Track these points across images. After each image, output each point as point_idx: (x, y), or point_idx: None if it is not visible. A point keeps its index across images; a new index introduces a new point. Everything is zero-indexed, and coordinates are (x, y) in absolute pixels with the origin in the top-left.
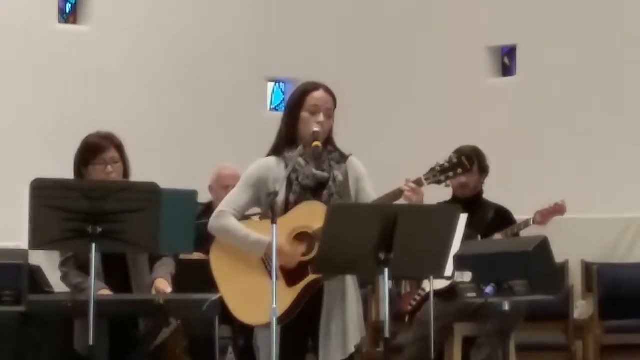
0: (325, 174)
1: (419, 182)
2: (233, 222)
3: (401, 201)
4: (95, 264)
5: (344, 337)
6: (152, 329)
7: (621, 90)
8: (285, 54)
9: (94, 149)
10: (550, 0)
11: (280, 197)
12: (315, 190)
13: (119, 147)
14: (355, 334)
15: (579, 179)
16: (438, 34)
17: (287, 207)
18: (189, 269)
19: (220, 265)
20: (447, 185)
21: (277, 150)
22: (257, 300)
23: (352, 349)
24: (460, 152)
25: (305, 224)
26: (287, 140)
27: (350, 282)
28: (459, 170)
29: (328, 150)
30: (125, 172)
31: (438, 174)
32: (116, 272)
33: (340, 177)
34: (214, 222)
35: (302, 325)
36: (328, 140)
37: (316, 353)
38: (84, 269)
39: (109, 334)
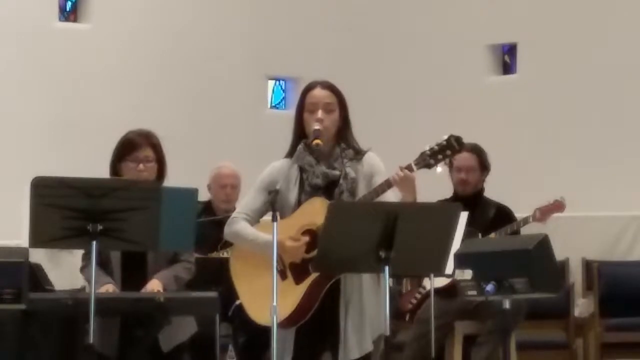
0: (337, 172)
1: (409, 168)
2: (243, 227)
3: (395, 190)
4: (113, 261)
5: (361, 335)
6: (152, 327)
7: (621, 88)
8: (285, 52)
9: (129, 146)
10: None
11: (293, 198)
12: (327, 188)
13: (155, 147)
14: (373, 331)
15: (579, 177)
16: (438, 32)
17: (299, 207)
18: None
19: (237, 269)
20: (443, 165)
21: (290, 152)
22: (269, 300)
23: (369, 348)
24: (450, 135)
25: (310, 221)
26: (297, 142)
27: (368, 279)
28: (448, 152)
29: (341, 148)
30: (160, 173)
31: (428, 158)
32: (136, 270)
33: (352, 174)
34: (227, 229)
35: (318, 323)
36: (341, 137)
37: (332, 351)
38: (103, 264)
39: (120, 333)
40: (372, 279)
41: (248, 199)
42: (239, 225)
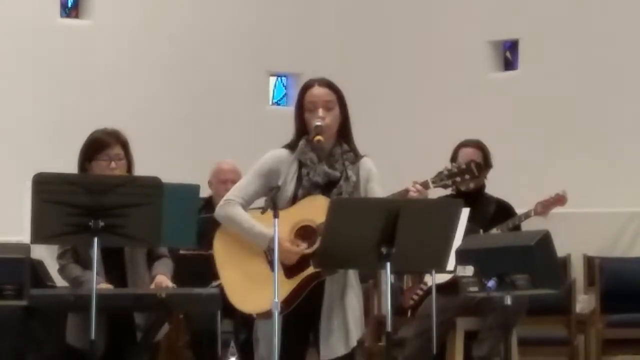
0: (337, 173)
1: (425, 185)
2: (239, 212)
3: None
4: (95, 259)
5: (345, 331)
6: (154, 324)
7: (623, 84)
8: (287, 48)
9: (99, 145)
10: None
11: (289, 191)
12: (325, 188)
13: (124, 145)
14: (357, 328)
15: (580, 173)
16: (440, 28)
17: (294, 201)
18: (188, 263)
19: (222, 252)
20: (453, 190)
21: (291, 146)
22: (254, 288)
23: (354, 344)
24: (470, 160)
25: (308, 218)
26: (298, 139)
27: (352, 276)
28: (467, 177)
29: (343, 149)
30: (129, 170)
31: (445, 178)
32: (114, 267)
33: (353, 177)
34: (220, 210)
35: (303, 320)
36: (342, 135)
37: (318, 347)
38: (82, 262)
39: (106, 329)
40: (355, 276)
41: (244, 183)
42: (234, 209)
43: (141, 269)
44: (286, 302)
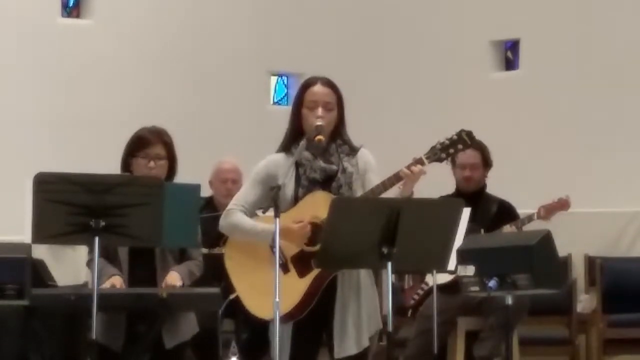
0: (334, 167)
1: (420, 162)
2: (240, 217)
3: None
4: (121, 256)
5: (358, 331)
6: (155, 323)
7: (623, 84)
8: (288, 48)
9: (141, 142)
10: None
11: (289, 192)
12: (324, 183)
13: (167, 145)
14: (370, 327)
15: (582, 173)
16: (441, 27)
17: (296, 202)
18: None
19: (234, 265)
20: (448, 162)
21: (285, 146)
22: (270, 294)
23: (366, 344)
24: (461, 129)
25: (313, 214)
26: (293, 136)
27: (365, 274)
28: (460, 146)
29: (337, 144)
30: (171, 171)
31: (439, 152)
32: (143, 266)
33: (350, 169)
34: (223, 221)
35: (315, 319)
36: (337, 134)
37: (330, 347)
38: (110, 259)
39: (126, 328)
40: (369, 274)
41: (244, 191)
42: (236, 216)
43: (171, 269)
44: (303, 302)
